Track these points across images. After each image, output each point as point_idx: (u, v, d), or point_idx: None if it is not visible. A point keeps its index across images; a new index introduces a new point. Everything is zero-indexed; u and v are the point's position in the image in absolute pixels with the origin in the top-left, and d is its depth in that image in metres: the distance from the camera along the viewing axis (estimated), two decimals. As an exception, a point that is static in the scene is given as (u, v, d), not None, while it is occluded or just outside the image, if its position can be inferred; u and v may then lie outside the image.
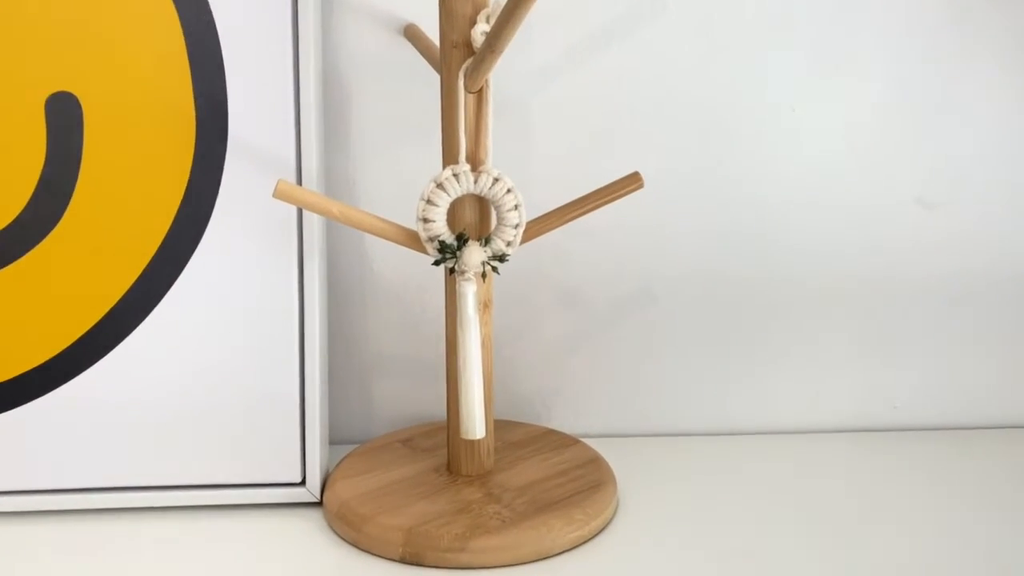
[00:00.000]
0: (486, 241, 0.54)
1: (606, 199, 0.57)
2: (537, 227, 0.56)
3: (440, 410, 0.66)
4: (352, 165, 0.64)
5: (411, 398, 0.67)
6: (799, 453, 0.64)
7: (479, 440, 0.57)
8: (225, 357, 0.58)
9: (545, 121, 0.64)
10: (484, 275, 0.54)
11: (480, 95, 0.53)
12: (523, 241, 0.56)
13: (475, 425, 0.54)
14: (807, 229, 0.67)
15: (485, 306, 0.57)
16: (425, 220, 0.54)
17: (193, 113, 0.56)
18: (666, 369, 0.67)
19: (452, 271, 0.54)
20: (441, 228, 0.54)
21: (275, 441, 0.58)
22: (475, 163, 0.54)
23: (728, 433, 0.68)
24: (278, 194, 0.53)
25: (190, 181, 0.57)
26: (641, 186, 0.57)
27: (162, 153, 0.56)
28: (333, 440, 0.66)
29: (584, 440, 0.64)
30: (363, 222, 0.54)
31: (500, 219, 0.54)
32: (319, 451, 0.59)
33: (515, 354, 0.66)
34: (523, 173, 0.64)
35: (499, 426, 0.66)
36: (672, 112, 0.65)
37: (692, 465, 0.62)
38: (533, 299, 0.66)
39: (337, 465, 0.62)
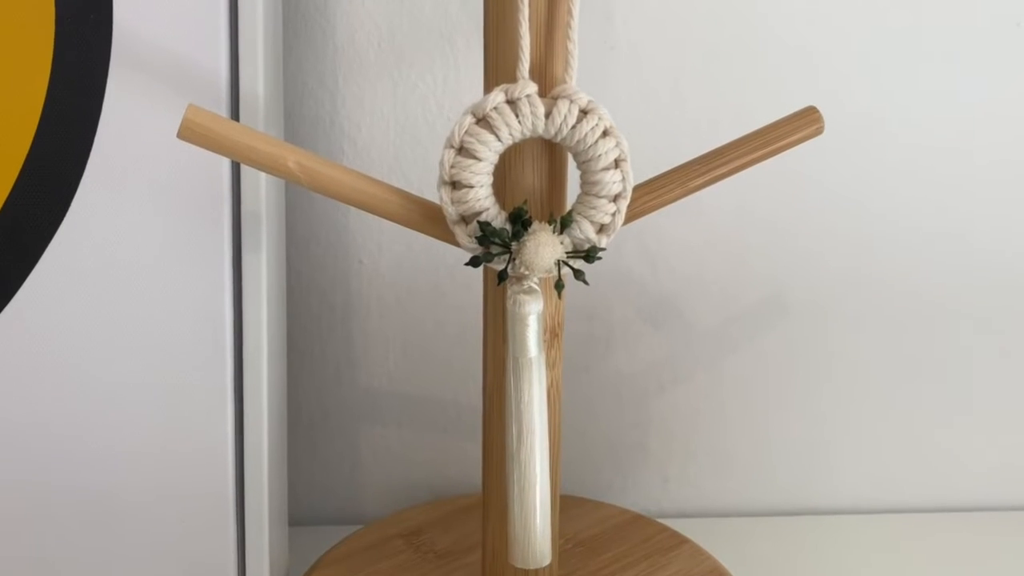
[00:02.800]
0: (562, 224, 0.31)
1: (765, 150, 0.33)
2: (644, 199, 0.33)
3: (465, 478, 0.42)
4: (332, 92, 0.40)
5: (420, 459, 0.46)
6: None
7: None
8: (106, 405, 0.34)
9: (635, 31, 0.42)
10: (559, 284, 0.31)
11: (557, -42, 0.29)
12: (626, 221, 0.32)
13: (534, 545, 0.31)
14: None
15: (553, 334, 0.33)
16: (455, 184, 0.30)
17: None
18: (804, 416, 0.47)
19: (503, 276, 0.30)
20: (484, 199, 0.30)
21: (196, 538, 0.35)
22: (546, 83, 0.30)
23: (895, 510, 0.48)
24: (184, 130, 0.29)
25: (46, 109, 0.33)
26: (821, 129, 0.34)
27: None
28: (300, 520, 0.45)
29: (687, 524, 0.43)
30: (340, 185, 0.30)
31: (589, 185, 0.31)
32: (267, 554, 0.36)
33: (576, 394, 0.46)
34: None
35: (560, 507, 0.42)
36: (845, 44, 0.41)
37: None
38: (605, 312, 0.46)
39: (300, 582, 0.38)
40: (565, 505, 0.44)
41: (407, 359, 0.45)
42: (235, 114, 0.34)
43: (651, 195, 0.33)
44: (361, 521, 0.46)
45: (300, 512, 0.46)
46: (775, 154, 0.34)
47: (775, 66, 0.43)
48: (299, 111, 0.42)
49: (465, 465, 0.46)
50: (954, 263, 0.45)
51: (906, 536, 0.46)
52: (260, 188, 0.34)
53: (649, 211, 0.33)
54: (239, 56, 0.33)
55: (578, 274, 0.30)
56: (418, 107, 0.42)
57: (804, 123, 0.34)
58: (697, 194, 0.42)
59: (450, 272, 0.45)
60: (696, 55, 0.42)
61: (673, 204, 0.43)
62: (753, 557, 0.44)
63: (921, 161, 0.44)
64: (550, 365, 0.34)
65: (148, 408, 0.34)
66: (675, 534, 0.42)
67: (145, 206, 0.33)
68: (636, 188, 0.33)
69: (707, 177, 0.34)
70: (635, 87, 0.43)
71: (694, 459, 0.47)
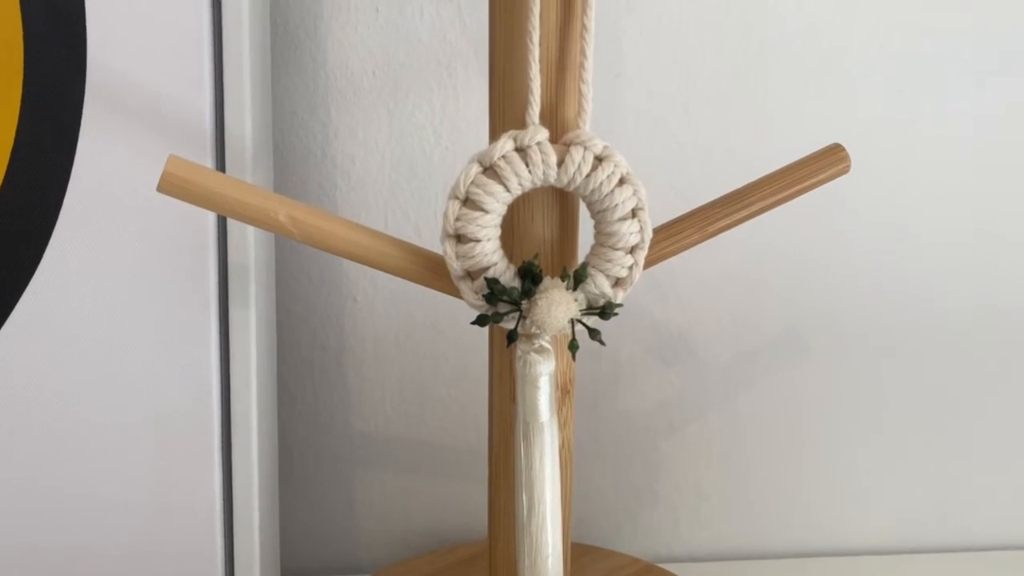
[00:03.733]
0: (576, 279, 0.28)
1: (788, 191, 0.31)
2: (665, 244, 0.31)
3: (467, 525, 0.40)
4: (324, 123, 0.38)
5: (419, 506, 0.45)
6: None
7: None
8: (91, 463, 0.32)
9: (646, 52, 0.40)
10: (572, 344, 0.28)
11: (569, -8, 0.27)
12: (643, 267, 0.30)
13: (549, 619, 0.29)
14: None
15: (564, 391, 0.31)
16: (460, 238, 0.28)
17: (20, 29, 0.30)
18: (822, 456, 0.45)
19: (512, 337, 0.28)
20: (491, 254, 0.28)
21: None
22: (557, 128, 0.28)
23: (918, 551, 0.47)
24: (164, 184, 0.26)
25: (15, 152, 0.30)
26: (847, 168, 0.32)
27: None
28: (295, 571, 0.45)
29: (699, 568, 0.43)
30: (336, 239, 0.28)
31: (604, 236, 0.28)
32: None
33: (583, 434, 0.44)
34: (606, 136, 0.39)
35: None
36: (864, 68, 0.39)
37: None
38: (613, 348, 0.44)
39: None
40: (573, 554, 0.42)
41: (404, 401, 0.43)
42: (221, 157, 0.31)
43: (668, 240, 0.31)
44: (358, 571, 0.43)
45: (295, 563, 0.44)
46: (799, 195, 0.32)
47: (788, 90, 0.41)
48: (289, 143, 0.40)
49: (467, 511, 0.44)
50: (979, 297, 0.43)
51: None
52: (248, 237, 0.32)
53: (665, 257, 0.31)
54: (224, 94, 0.31)
55: (593, 333, 0.28)
56: (415, 138, 0.40)
57: (830, 162, 0.32)
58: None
59: (449, 309, 0.42)
60: (706, 81, 0.40)
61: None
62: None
63: (947, 191, 0.42)
64: (561, 424, 0.32)
65: (133, 468, 0.32)
66: (690, 586, 0.40)
67: (123, 260, 0.31)
68: (653, 232, 0.31)
69: (727, 221, 0.31)
70: (643, 115, 0.41)
71: (706, 501, 0.45)
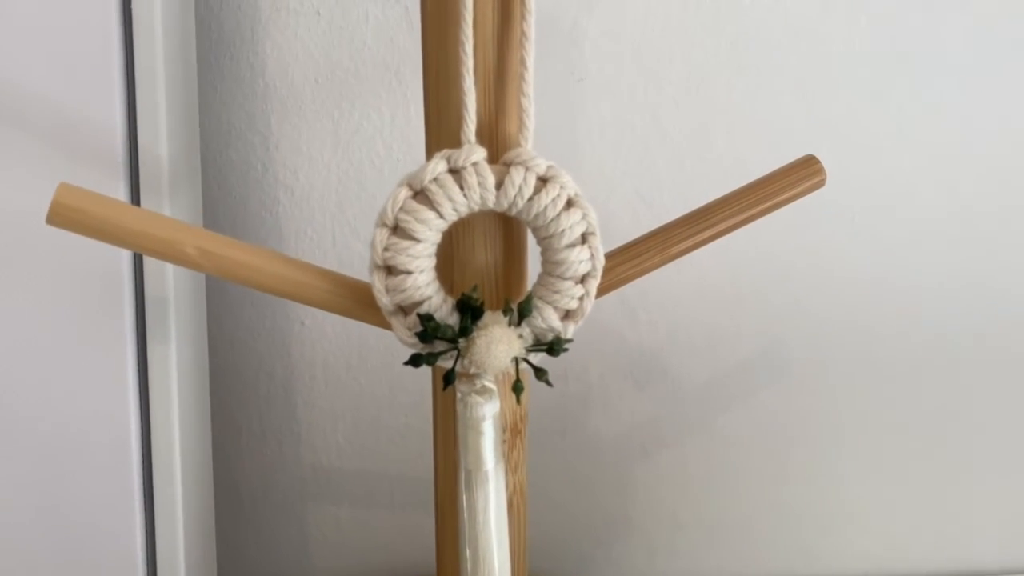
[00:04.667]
0: (520, 313, 0.26)
1: (759, 207, 0.28)
2: (618, 269, 0.28)
3: (424, 558, 0.39)
4: (264, 135, 0.36)
5: (375, 540, 0.42)
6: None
7: None
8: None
9: (607, 60, 0.38)
10: (516, 386, 0.26)
11: (506, -5, 0.24)
12: (596, 296, 0.27)
13: None
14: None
15: (515, 431, 0.29)
16: (390, 270, 0.25)
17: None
18: (804, 480, 0.43)
19: (449, 379, 0.25)
20: (424, 287, 0.25)
21: None
22: (497, 145, 0.25)
23: (908, 574, 0.43)
24: (54, 215, 0.24)
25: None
26: (823, 181, 0.29)
27: None
28: None
29: None
30: (255, 271, 0.25)
31: (551, 264, 0.26)
32: None
33: (552, 461, 0.42)
34: (568, 155, 0.37)
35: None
36: (840, 73, 0.37)
37: None
38: (581, 370, 0.41)
39: None
40: (539, 591, 0.39)
41: (358, 431, 0.40)
42: (135, 178, 0.29)
43: (627, 264, 0.28)
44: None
45: (247, 598, 0.41)
46: (770, 212, 0.29)
47: (763, 94, 0.38)
48: (226, 158, 0.37)
49: (426, 545, 0.41)
50: (970, 313, 0.41)
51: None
52: (167, 270, 0.29)
53: (624, 283, 0.29)
54: (136, 108, 0.28)
55: (540, 373, 0.26)
56: (363, 150, 0.37)
57: (803, 175, 0.29)
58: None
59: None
60: (675, 85, 0.38)
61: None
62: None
63: (931, 201, 0.40)
64: (512, 468, 0.29)
65: (49, 523, 0.30)
66: (663, 627, 0.37)
67: (25, 295, 0.28)
68: (610, 256, 0.28)
69: (691, 242, 0.29)
70: (608, 121, 0.38)
71: (683, 529, 0.43)
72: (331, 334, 0.39)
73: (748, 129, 0.38)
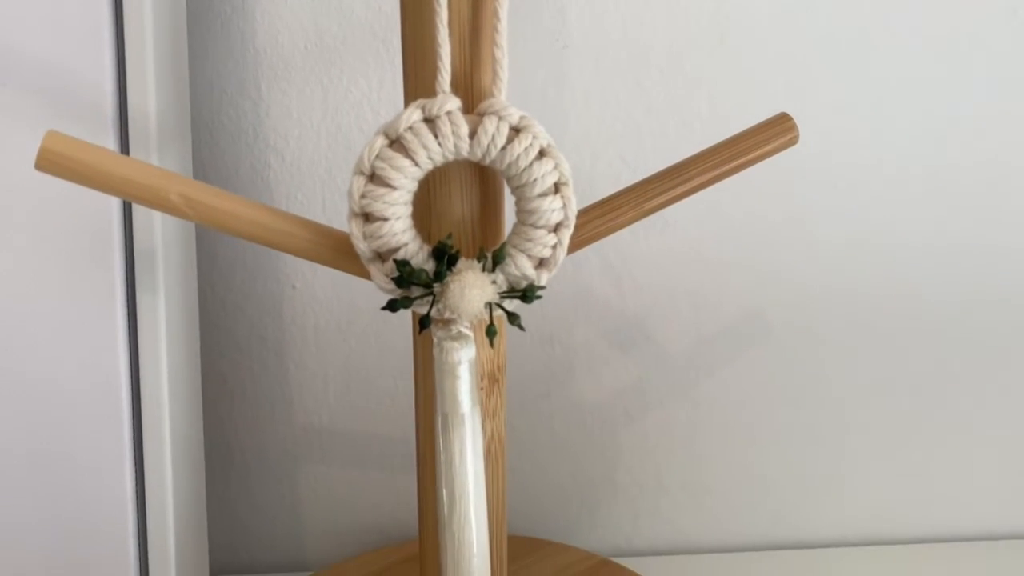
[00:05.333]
0: (494, 260, 0.26)
1: (732, 164, 0.29)
2: (594, 223, 0.29)
3: (416, 519, 0.38)
4: (255, 100, 0.37)
5: (366, 501, 0.43)
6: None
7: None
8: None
9: (591, 28, 0.38)
10: (490, 330, 0.26)
11: (480, -50, 0.25)
12: (572, 250, 0.28)
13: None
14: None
15: (493, 380, 0.29)
16: (367, 217, 0.26)
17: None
18: (789, 444, 0.43)
19: (425, 323, 0.26)
20: (400, 233, 0.26)
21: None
22: (472, 96, 0.26)
23: (888, 542, 0.45)
24: (42, 161, 0.24)
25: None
26: (796, 139, 0.30)
27: None
28: (240, 569, 0.43)
29: (659, 562, 0.41)
30: (236, 219, 0.26)
31: (525, 213, 0.26)
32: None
33: (537, 424, 0.42)
34: (555, 122, 0.37)
35: (517, 552, 0.39)
36: (825, 42, 0.37)
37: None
38: (568, 334, 0.41)
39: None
40: (526, 549, 0.40)
41: (349, 392, 0.41)
42: (124, 136, 0.30)
43: (602, 219, 0.29)
44: (303, 569, 0.42)
45: (238, 561, 0.42)
46: (744, 168, 0.30)
47: (745, 62, 0.39)
48: (218, 122, 0.38)
49: (413, 504, 0.42)
50: (954, 276, 0.41)
51: (900, 570, 0.43)
52: (155, 220, 0.30)
53: (599, 237, 0.29)
54: (126, 67, 0.29)
55: (512, 318, 0.26)
56: (352, 114, 0.38)
57: (776, 132, 0.30)
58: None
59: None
60: (658, 52, 0.38)
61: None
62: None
63: (915, 170, 0.40)
64: (490, 415, 0.30)
65: (38, 471, 0.30)
66: (643, 583, 0.38)
67: (18, 245, 0.29)
68: (585, 211, 0.29)
69: (666, 197, 0.29)
70: (592, 88, 0.39)
71: (667, 493, 0.43)
72: (322, 298, 0.40)
73: (730, 95, 0.39)
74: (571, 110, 0.39)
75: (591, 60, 0.38)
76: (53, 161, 0.25)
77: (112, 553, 0.31)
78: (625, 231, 0.39)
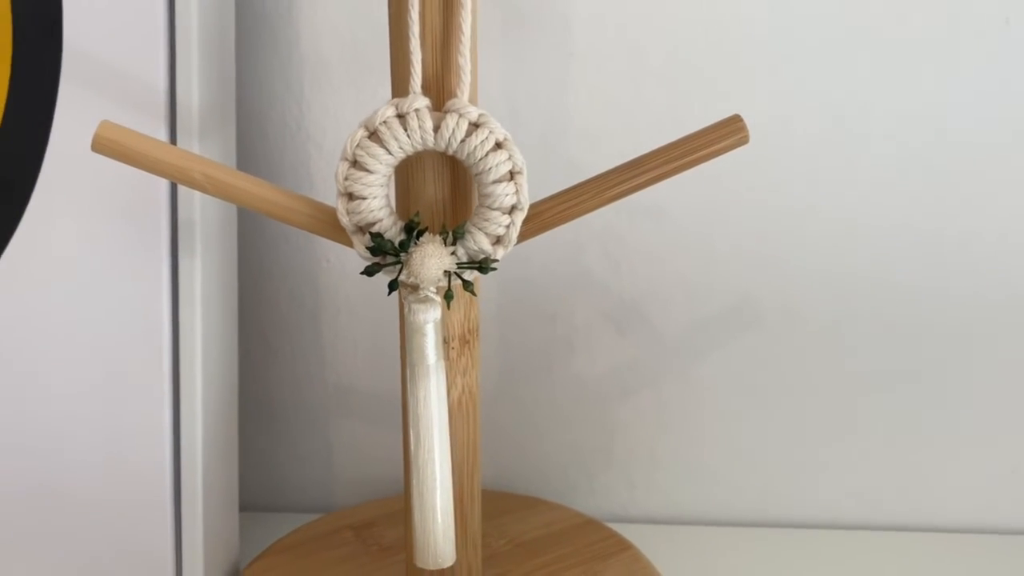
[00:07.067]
0: (455, 235, 0.31)
1: (685, 159, 0.33)
2: (558, 208, 0.33)
3: None
4: (299, 98, 0.44)
5: (387, 454, 0.48)
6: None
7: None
8: (49, 396, 0.37)
9: (596, 43, 0.43)
10: (448, 294, 0.31)
11: (451, -27, 0.30)
12: (531, 233, 0.32)
13: (434, 547, 0.32)
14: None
15: (464, 341, 0.34)
16: (350, 196, 0.31)
17: (8, 12, 0.35)
18: (776, 425, 0.46)
19: (393, 286, 0.31)
20: (377, 210, 0.31)
21: (136, 523, 0.37)
22: (440, 95, 0.31)
23: (869, 527, 0.47)
24: (97, 144, 0.31)
25: (3, 126, 0.36)
26: (745, 139, 0.33)
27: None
28: (277, 507, 0.48)
29: (650, 529, 0.44)
30: (246, 195, 0.32)
31: (483, 197, 0.31)
32: (201, 540, 0.38)
33: (539, 395, 0.46)
34: (558, 122, 0.41)
35: (510, 507, 0.43)
36: (817, 43, 0.40)
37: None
38: (569, 315, 0.46)
39: (246, 568, 0.40)
40: (518, 505, 0.44)
41: (374, 356, 0.46)
42: (173, 127, 0.36)
43: (567, 203, 0.33)
44: (332, 510, 0.47)
45: (278, 502, 0.48)
46: (696, 164, 0.33)
47: (742, 68, 0.42)
48: (268, 116, 0.44)
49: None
50: (941, 266, 0.43)
51: (880, 555, 0.44)
52: (195, 197, 0.36)
53: (565, 220, 0.33)
54: (175, 69, 0.35)
55: (467, 285, 0.31)
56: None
57: (727, 132, 0.33)
58: (659, 196, 0.43)
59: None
60: (655, 58, 0.42)
61: (635, 206, 0.43)
62: (709, 568, 0.43)
63: (905, 153, 0.42)
64: (461, 372, 0.34)
65: (88, 399, 0.37)
66: (620, 540, 0.42)
67: (91, 213, 0.36)
68: (552, 197, 0.33)
69: (624, 187, 0.33)
70: (595, 91, 0.43)
71: (661, 466, 0.47)
72: (351, 271, 0.46)
73: (724, 99, 0.42)
74: (575, 111, 0.43)
75: (594, 66, 0.42)
76: (105, 145, 0.31)
77: (149, 482, 0.37)
78: (624, 221, 0.44)
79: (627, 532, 0.43)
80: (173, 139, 0.36)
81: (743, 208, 0.43)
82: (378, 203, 0.31)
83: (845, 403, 0.45)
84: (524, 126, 0.43)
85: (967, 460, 0.45)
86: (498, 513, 0.43)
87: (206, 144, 0.37)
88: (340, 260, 0.45)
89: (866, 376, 0.45)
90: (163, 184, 0.36)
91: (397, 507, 0.44)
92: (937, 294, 0.43)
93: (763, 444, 0.46)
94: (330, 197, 0.44)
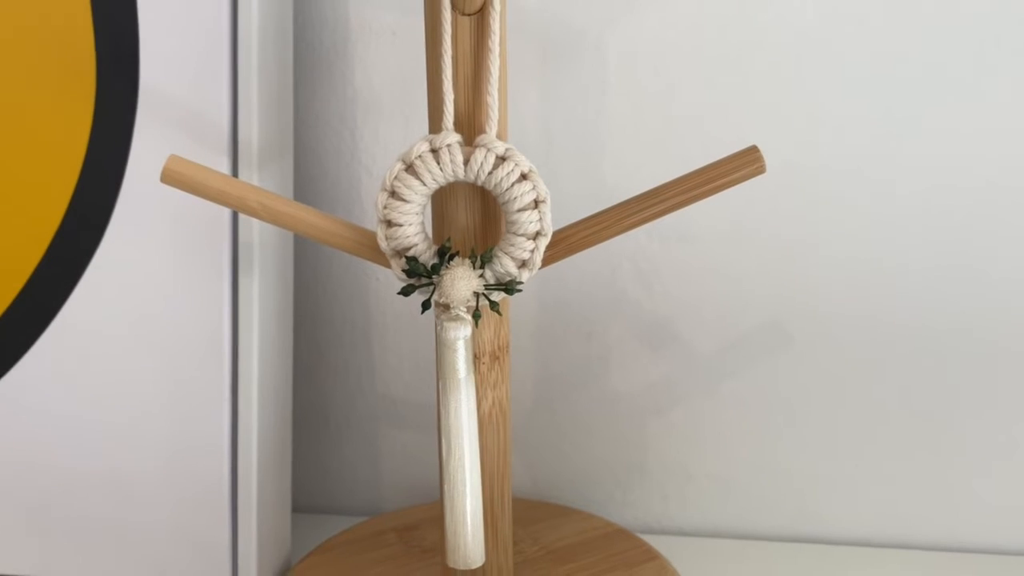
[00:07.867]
0: (483, 260, 0.34)
1: (702, 189, 0.35)
2: (581, 234, 0.35)
3: None
4: (352, 129, 0.47)
5: (432, 460, 0.51)
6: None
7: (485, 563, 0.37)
8: (122, 399, 0.41)
9: (630, 76, 0.45)
10: (476, 313, 0.34)
11: (482, 18, 0.33)
12: (556, 257, 0.35)
13: (464, 549, 0.34)
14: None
15: (494, 357, 0.37)
16: (388, 223, 0.34)
17: (93, 55, 0.39)
18: (806, 444, 0.48)
19: (425, 306, 0.34)
20: (412, 236, 0.34)
21: (196, 520, 0.41)
22: (471, 131, 0.34)
23: (896, 546, 0.48)
24: (166, 176, 0.34)
25: (87, 158, 0.40)
26: (762, 168, 0.35)
27: (50, 115, 0.39)
28: (328, 509, 0.52)
29: (680, 541, 0.46)
30: (297, 221, 0.35)
31: (509, 224, 0.34)
32: (255, 537, 0.41)
33: (576, 410, 0.49)
34: (590, 156, 0.44)
35: (544, 516, 0.45)
36: (830, 76, 0.42)
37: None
38: (604, 333, 0.48)
39: (296, 565, 0.43)
40: (552, 514, 0.46)
41: (419, 369, 0.49)
42: (235, 157, 0.39)
43: (588, 231, 0.36)
44: (380, 514, 0.50)
45: (330, 504, 0.51)
46: (713, 193, 0.35)
47: (769, 100, 0.43)
48: (324, 145, 0.47)
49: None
50: (967, 294, 0.44)
51: (911, 574, 0.45)
52: (254, 222, 0.39)
53: (588, 245, 0.36)
54: (238, 105, 0.39)
55: (493, 305, 0.33)
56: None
57: (744, 162, 0.35)
58: (691, 218, 0.45)
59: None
60: (687, 92, 0.44)
61: (666, 228, 0.45)
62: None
63: (934, 185, 0.43)
64: (492, 386, 0.37)
65: (156, 403, 0.40)
66: (649, 550, 0.43)
67: (161, 237, 0.39)
68: (576, 224, 0.36)
69: (644, 214, 0.35)
70: (628, 123, 0.45)
71: (693, 481, 0.48)
72: (398, 289, 0.49)
73: (750, 129, 0.44)
74: (608, 141, 0.45)
75: (627, 100, 0.44)
76: (173, 177, 0.34)
77: (210, 484, 0.40)
78: (656, 245, 0.46)
79: (659, 544, 0.45)
80: (235, 170, 0.39)
81: (771, 232, 0.45)
82: (413, 229, 0.34)
83: (877, 420, 0.46)
84: (558, 152, 0.45)
85: (1001, 480, 0.46)
86: (533, 521, 0.45)
87: (265, 174, 0.40)
88: (388, 279, 0.48)
89: (897, 394, 0.46)
90: (225, 210, 0.39)
91: (440, 511, 0.46)
92: (972, 319, 0.44)
93: (794, 460, 0.47)
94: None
